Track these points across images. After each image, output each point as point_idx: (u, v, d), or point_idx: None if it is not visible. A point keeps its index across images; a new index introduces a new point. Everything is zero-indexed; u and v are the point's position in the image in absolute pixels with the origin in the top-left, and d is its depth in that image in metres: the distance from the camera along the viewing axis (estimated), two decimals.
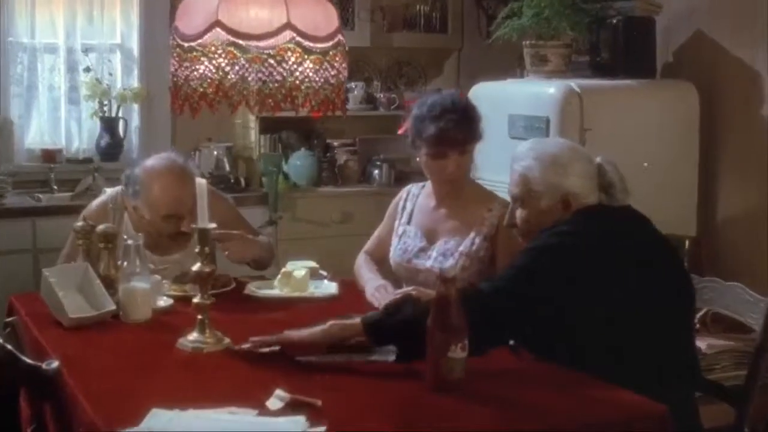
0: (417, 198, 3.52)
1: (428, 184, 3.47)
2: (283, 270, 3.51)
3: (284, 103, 2.58)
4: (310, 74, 2.60)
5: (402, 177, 5.61)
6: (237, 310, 3.18)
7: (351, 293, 3.44)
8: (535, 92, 4.25)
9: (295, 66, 2.55)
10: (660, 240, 2.78)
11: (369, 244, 3.67)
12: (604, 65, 4.39)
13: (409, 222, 3.48)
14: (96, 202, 3.69)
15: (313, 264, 3.70)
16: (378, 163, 5.77)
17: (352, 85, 5.77)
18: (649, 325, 2.59)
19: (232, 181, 5.35)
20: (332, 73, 2.65)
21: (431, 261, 3.33)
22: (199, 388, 2.47)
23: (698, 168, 4.37)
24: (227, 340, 2.78)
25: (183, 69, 2.57)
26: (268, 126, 5.55)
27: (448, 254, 3.31)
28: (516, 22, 4.37)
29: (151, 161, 3.52)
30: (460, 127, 3.25)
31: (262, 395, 2.33)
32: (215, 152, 5.40)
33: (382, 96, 5.91)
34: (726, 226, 4.42)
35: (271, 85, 2.53)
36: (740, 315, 3.13)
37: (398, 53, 6.15)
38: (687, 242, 4.18)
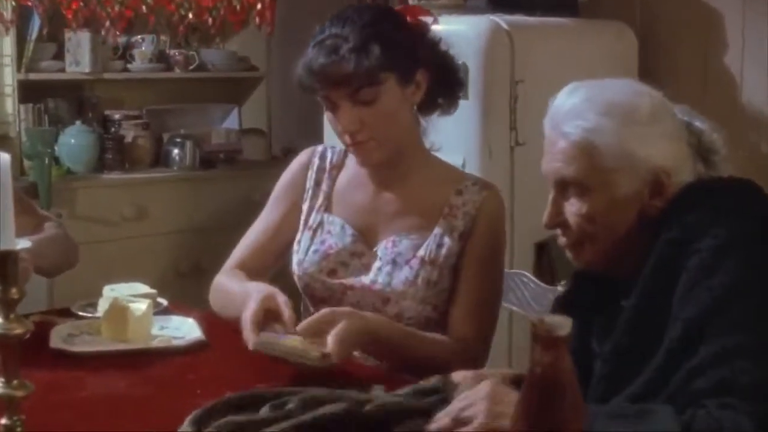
0: (336, 172, 2.26)
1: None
2: (110, 304, 2.19)
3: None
4: None
5: (210, 158, 4.53)
6: (51, 386, 1.85)
7: (225, 335, 2.16)
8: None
9: None
10: None
11: (237, 254, 2.30)
12: None
13: (327, 209, 2.23)
14: None
15: (145, 288, 2.43)
16: (177, 140, 4.52)
17: (139, 38, 4.53)
18: None
19: None
20: None
21: (373, 274, 2.13)
22: None
23: None
24: None
25: None
26: (29, 92, 4.16)
27: (401, 262, 2.12)
28: None
29: None
30: (347, 58, 2.00)
31: None
32: None
33: (176, 54, 4.59)
34: None
35: None
36: None
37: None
38: None
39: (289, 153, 4.58)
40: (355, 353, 2.00)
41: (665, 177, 1.61)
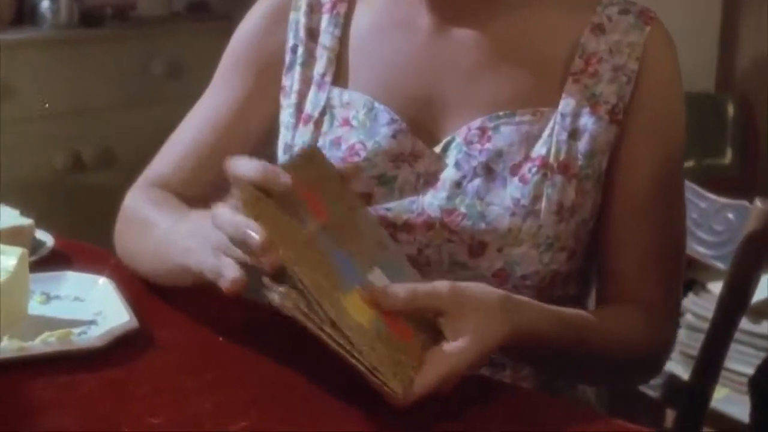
0: (346, 6, 1.25)
1: None
2: None
3: None
4: None
5: (93, 14, 3.71)
6: None
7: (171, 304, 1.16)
8: None
9: None
10: None
11: (162, 164, 1.32)
12: None
13: (337, 79, 1.23)
14: None
15: (13, 215, 1.44)
16: None
17: None
18: None
19: None
20: None
21: (447, 194, 1.15)
22: None
23: None
24: None
25: None
26: None
27: (503, 170, 1.15)
28: None
29: None
30: None
31: None
32: None
33: None
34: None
35: None
36: None
37: None
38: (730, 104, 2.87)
39: (197, 9, 3.78)
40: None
41: None
